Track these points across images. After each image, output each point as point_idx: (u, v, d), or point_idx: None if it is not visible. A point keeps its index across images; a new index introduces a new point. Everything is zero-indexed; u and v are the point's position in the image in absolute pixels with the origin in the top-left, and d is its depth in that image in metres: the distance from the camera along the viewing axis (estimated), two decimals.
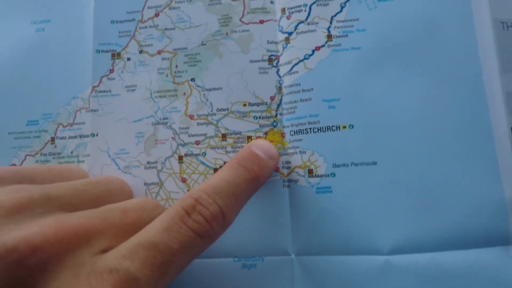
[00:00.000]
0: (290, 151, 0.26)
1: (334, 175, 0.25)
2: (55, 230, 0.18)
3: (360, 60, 0.25)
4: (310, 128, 0.26)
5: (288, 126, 0.26)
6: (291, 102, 0.26)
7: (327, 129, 0.25)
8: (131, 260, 0.17)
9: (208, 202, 0.20)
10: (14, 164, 0.29)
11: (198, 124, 0.28)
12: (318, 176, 0.25)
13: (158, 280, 0.17)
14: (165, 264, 0.18)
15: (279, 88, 0.27)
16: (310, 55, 0.26)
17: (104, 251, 0.18)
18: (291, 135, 0.26)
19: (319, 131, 0.25)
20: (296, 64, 0.27)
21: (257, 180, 0.23)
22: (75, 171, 0.26)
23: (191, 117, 0.28)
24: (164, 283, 0.18)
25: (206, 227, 0.19)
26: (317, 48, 0.26)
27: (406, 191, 0.24)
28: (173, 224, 0.19)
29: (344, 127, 0.25)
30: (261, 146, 0.25)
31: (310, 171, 0.25)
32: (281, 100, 0.27)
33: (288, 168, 0.26)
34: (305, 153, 0.26)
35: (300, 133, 0.26)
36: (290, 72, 0.27)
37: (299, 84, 0.26)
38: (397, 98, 0.25)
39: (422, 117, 0.24)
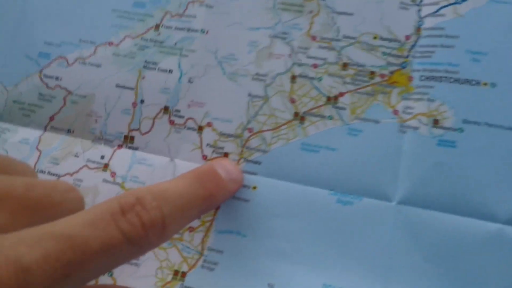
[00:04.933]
0: (415, 96, 0.24)
1: (462, 130, 0.23)
2: None
3: None
4: (446, 77, 0.24)
5: (419, 70, 0.24)
6: (428, 46, 0.24)
7: (466, 81, 0.23)
8: (29, 248, 0.13)
9: (152, 205, 0.17)
10: (112, 42, 0.28)
11: (320, 47, 0.26)
12: (443, 128, 0.23)
13: (57, 283, 0.13)
14: (73, 265, 0.14)
15: (417, 29, 0.25)
16: (463, 1, 0.24)
17: None
18: (421, 80, 0.24)
19: (456, 82, 0.24)
20: (444, 6, 0.25)
21: (211, 199, 0.21)
22: (19, 165, 0.18)
23: (314, 38, 0.26)
24: None
25: (139, 233, 0.16)
26: None
27: None
28: (100, 219, 0.15)
29: (485, 84, 0.23)
30: (225, 166, 0.23)
31: (436, 121, 0.24)
32: (416, 41, 0.25)
33: (409, 113, 0.24)
34: (433, 101, 0.24)
35: (432, 79, 0.24)
36: (435, 13, 0.25)
37: (443, 29, 0.24)
38: None
39: None
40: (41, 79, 0.28)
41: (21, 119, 0.28)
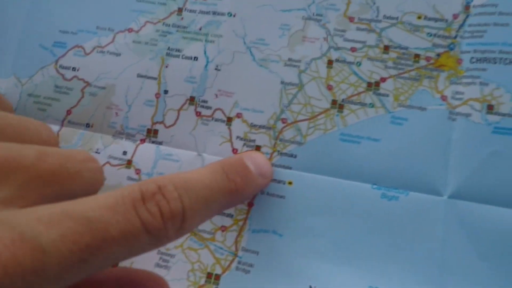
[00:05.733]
0: (465, 80, 0.22)
1: None
2: None
3: None
4: (501, 58, 0.22)
5: (468, 52, 0.22)
6: (479, 25, 0.22)
7: None
8: (47, 227, 0.12)
9: (172, 195, 0.16)
10: (131, 29, 0.26)
11: (358, 29, 0.24)
12: (499, 114, 0.21)
13: (72, 267, 0.12)
14: (90, 249, 0.13)
15: (466, 7, 0.23)
16: None
17: (4, 203, 0.13)
18: (471, 63, 0.22)
19: None
20: None
21: (237, 193, 0.20)
22: (36, 129, 0.17)
23: (351, 19, 0.24)
24: (78, 275, 0.13)
25: (158, 223, 0.15)
26: None
27: None
28: (120, 205, 0.14)
29: None
30: (254, 159, 0.22)
31: (490, 107, 0.22)
32: (465, 20, 0.23)
33: (459, 99, 0.22)
34: (487, 85, 0.22)
35: (485, 61, 0.22)
36: None
37: (496, 5, 0.22)
38: None
39: None
40: (57, 70, 0.26)
41: (36, 113, 0.26)
